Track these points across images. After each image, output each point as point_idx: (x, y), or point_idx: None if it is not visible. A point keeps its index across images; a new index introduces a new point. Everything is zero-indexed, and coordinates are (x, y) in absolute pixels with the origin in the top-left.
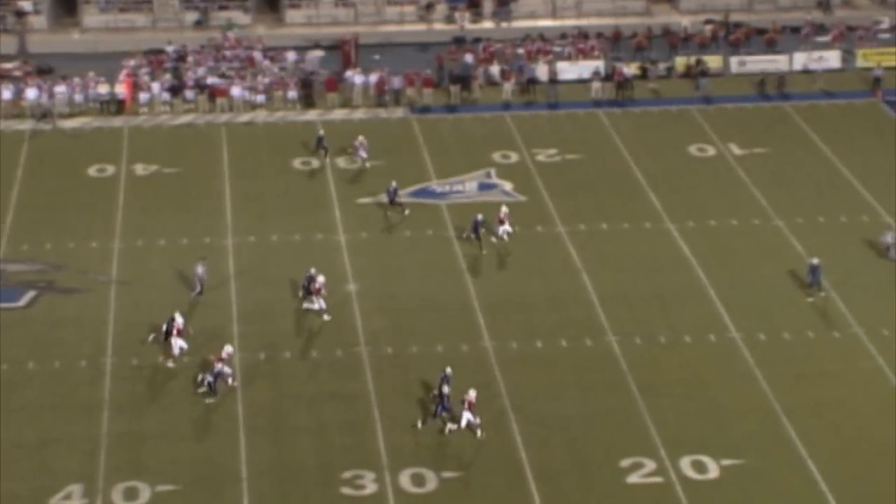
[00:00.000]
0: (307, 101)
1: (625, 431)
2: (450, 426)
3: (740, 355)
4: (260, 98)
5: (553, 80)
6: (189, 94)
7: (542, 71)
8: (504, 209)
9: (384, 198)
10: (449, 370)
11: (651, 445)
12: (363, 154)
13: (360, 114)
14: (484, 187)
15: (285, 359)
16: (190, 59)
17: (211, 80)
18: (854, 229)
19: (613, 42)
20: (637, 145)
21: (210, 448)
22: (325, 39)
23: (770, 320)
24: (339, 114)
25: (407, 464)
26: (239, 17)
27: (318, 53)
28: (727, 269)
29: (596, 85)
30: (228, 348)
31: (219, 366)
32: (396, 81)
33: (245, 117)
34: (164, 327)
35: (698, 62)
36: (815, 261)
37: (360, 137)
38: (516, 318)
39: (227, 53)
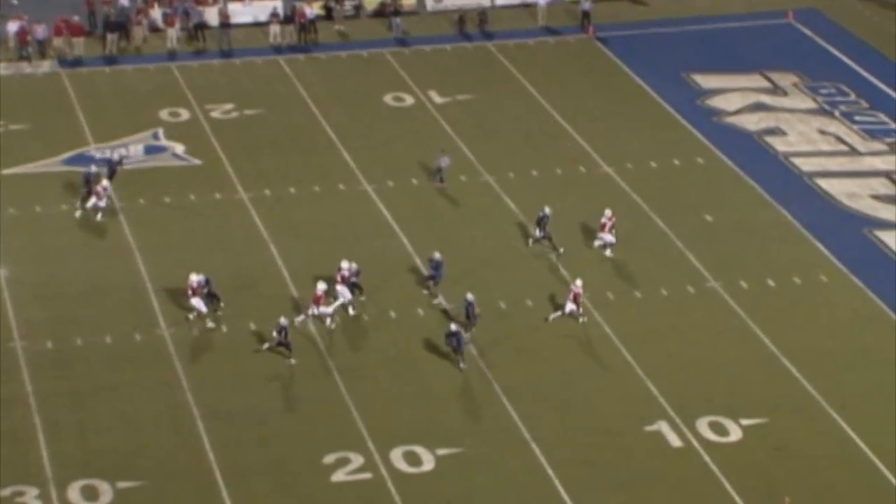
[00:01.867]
0: None
1: (327, 423)
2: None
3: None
4: None
5: (224, 25)
6: None
7: (211, 14)
8: None
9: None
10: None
11: (358, 438)
12: None
13: None
14: (151, 150)
15: None
16: None
17: None
18: (571, 182)
19: None
20: (325, 96)
21: None
22: None
23: (484, 289)
24: None
25: (77, 476)
26: None
27: None
28: (434, 234)
29: (274, 28)
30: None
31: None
32: (40, 31)
33: None
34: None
35: None
36: (546, 210)
37: None
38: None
39: None
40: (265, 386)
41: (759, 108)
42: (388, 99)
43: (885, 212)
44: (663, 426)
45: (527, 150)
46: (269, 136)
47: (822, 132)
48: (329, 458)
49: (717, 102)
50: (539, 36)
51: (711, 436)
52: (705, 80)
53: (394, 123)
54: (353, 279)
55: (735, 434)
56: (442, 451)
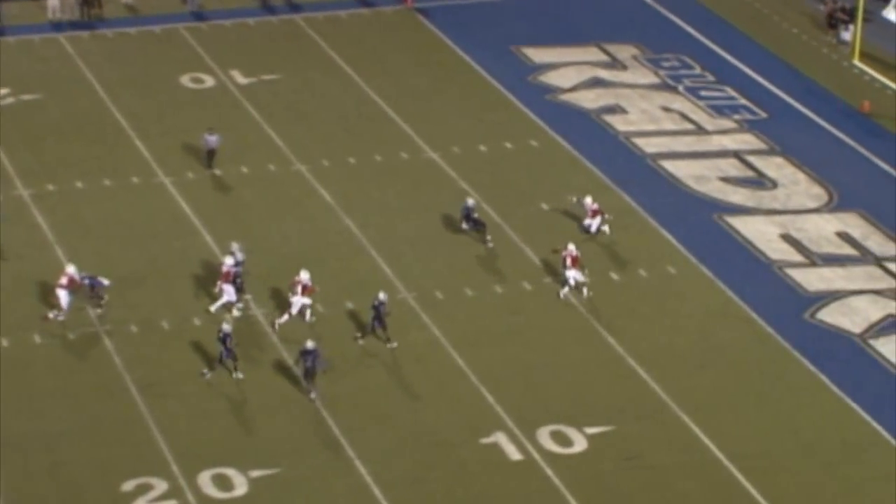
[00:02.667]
0: None
1: (125, 446)
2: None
3: (268, 341)
4: None
5: None
6: None
7: None
8: None
9: None
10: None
11: (160, 461)
12: None
13: None
14: None
15: None
16: None
17: None
18: (392, 169)
19: None
20: (114, 78)
21: None
22: None
23: (282, 295)
24: None
25: None
26: None
27: None
28: (241, 230)
29: (53, 2)
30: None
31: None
32: None
33: None
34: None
35: None
36: (469, 202)
37: None
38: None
39: None
40: (53, 406)
41: (596, 83)
42: (185, 80)
43: (736, 195)
44: (501, 438)
45: (342, 134)
46: (51, 125)
47: (666, 109)
48: (128, 486)
49: (550, 78)
50: (352, 7)
51: (554, 447)
52: (537, 54)
53: (192, 108)
54: (239, 278)
55: (579, 444)
56: (256, 473)
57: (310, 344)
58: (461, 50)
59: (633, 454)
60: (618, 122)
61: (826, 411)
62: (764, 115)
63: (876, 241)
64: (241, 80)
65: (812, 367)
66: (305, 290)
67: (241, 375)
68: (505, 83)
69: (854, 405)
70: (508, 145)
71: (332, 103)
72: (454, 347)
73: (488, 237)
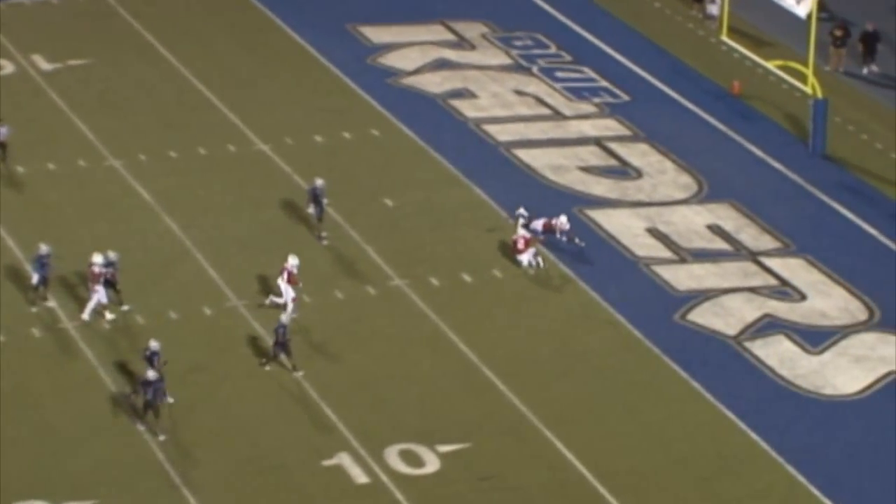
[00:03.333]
0: None
1: None
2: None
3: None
4: None
5: None
6: None
7: None
8: None
9: None
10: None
11: None
12: None
13: None
14: None
15: None
16: None
17: None
18: (218, 164)
19: None
20: None
21: None
22: None
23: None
24: None
25: None
26: None
27: None
28: (48, 233)
29: None
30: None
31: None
32: None
33: None
34: None
35: None
36: (319, 182)
37: None
38: None
39: None
40: None
41: (442, 65)
42: None
43: (598, 186)
44: (344, 459)
45: (161, 126)
46: None
47: (519, 93)
48: None
49: (391, 60)
50: None
51: (403, 468)
52: (376, 34)
53: None
54: (109, 276)
55: (432, 464)
56: None
57: (151, 374)
58: (292, 30)
59: (491, 474)
60: (467, 108)
61: (700, 422)
62: (626, 97)
63: (750, 235)
64: (45, 65)
65: (684, 374)
66: (290, 279)
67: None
68: (342, 66)
69: (730, 414)
70: (347, 135)
71: (149, 91)
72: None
73: (323, 234)
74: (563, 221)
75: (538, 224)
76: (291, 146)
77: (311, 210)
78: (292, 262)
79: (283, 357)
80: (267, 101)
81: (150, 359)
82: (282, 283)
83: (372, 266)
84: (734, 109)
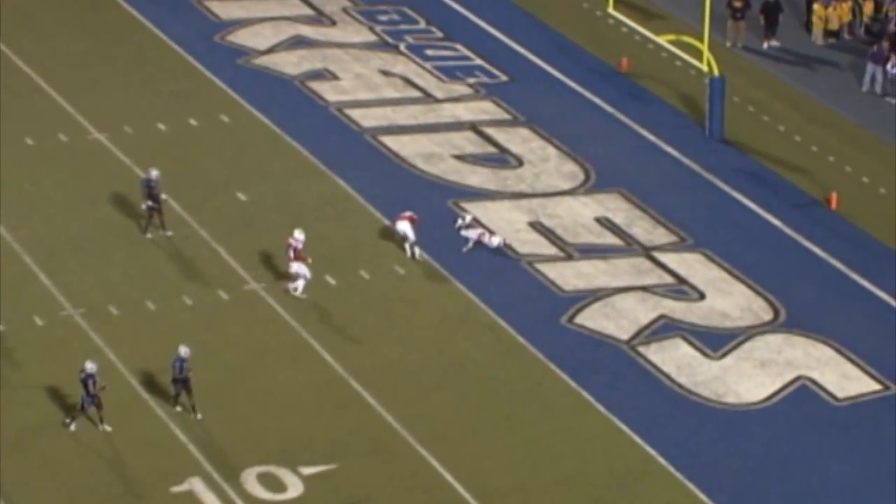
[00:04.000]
0: None
1: None
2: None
3: None
4: None
5: None
6: None
7: None
8: None
9: None
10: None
11: None
12: None
13: None
14: None
15: None
16: None
17: None
18: (49, 155)
19: None
20: None
21: None
22: None
23: None
24: None
25: None
26: None
27: None
28: None
29: None
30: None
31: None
32: None
33: None
34: None
35: None
36: (153, 174)
37: None
38: None
39: None
40: None
41: (299, 43)
42: None
43: (474, 176)
44: (196, 484)
45: None
46: None
47: (386, 73)
48: None
49: (242, 38)
50: None
51: (262, 492)
52: (223, 9)
53: None
54: None
55: (294, 488)
56: None
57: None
58: (130, 6)
59: (360, 498)
60: (327, 91)
61: (591, 435)
62: (504, 77)
63: (642, 228)
64: None
65: (572, 383)
66: (297, 256)
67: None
68: (186, 45)
69: (624, 427)
70: (193, 122)
71: None
72: (135, 374)
73: (169, 233)
74: (495, 241)
75: (472, 234)
76: (131, 135)
77: (147, 205)
78: (299, 237)
79: (183, 396)
80: (103, 85)
81: (85, 382)
82: (292, 263)
83: (223, 268)
84: (623, 89)
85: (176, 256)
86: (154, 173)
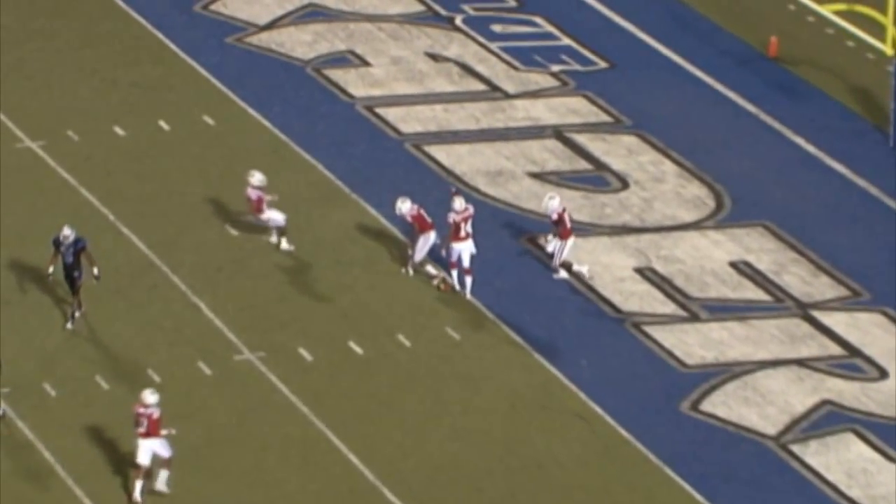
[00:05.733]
0: None
1: None
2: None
3: None
4: None
5: None
6: None
7: None
8: None
9: None
10: None
11: None
12: None
13: None
14: None
15: None
16: None
17: None
18: None
19: None
20: None
21: None
22: None
23: None
24: None
25: None
26: None
27: None
28: None
29: None
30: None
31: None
32: None
33: None
34: None
35: None
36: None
37: None
38: None
39: None
40: None
41: (313, 15)
42: None
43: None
44: None
45: None
46: None
47: (435, 57)
48: None
49: (233, 8)
50: None
51: None
52: None
53: None
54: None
55: None
56: None
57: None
58: None
59: None
60: (353, 82)
61: None
62: (602, 64)
63: (798, 276)
64: None
65: (697, 495)
66: (259, 206)
67: None
68: (155, 18)
69: None
70: (164, 125)
71: None
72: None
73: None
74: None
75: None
76: (76, 143)
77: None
78: (257, 183)
79: None
80: (36, 73)
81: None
82: (260, 215)
83: (205, 331)
84: (771, 80)
85: (131, 313)
86: (68, 233)
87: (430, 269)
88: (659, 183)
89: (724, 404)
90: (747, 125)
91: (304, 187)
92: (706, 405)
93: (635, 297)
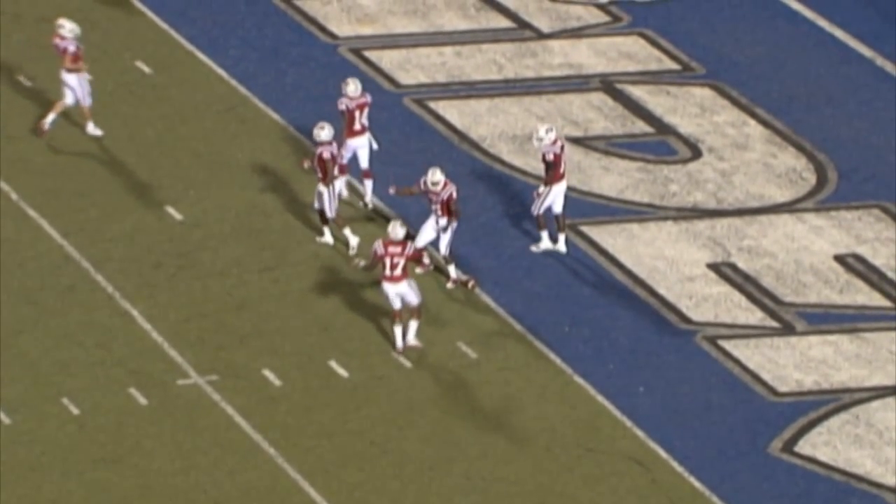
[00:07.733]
0: None
1: None
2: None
3: None
4: None
5: None
6: None
7: None
8: None
9: None
10: None
11: None
12: None
13: None
14: None
15: None
16: None
17: None
18: None
19: None
20: None
21: None
22: None
23: None
24: None
25: None
26: None
27: None
28: None
29: None
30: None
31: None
32: None
33: None
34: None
35: None
36: None
37: None
38: None
39: None
40: None
41: None
42: None
43: (608, 176)
44: None
45: None
46: None
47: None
48: None
49: None
50: None
51: None
52: None
53: None
54: None
55: None
56: None
57: None
58: None
59: None
60: (336, 18)
61: None
62: None
63: None
64: None
65: None
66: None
67: None
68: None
69: None
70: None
71: None
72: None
73: None
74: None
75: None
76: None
77: None
78: (67, 34)
79: None
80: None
81: None
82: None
83: (140, 345)
84: (892, 15)
85: (46, 325)
86: None
87: (454, 271)
88: (741, 151)
89: (827, 444)
90: (860, 74)
91: (270, 155)
92: (804, 446)
93: (709, 302)
